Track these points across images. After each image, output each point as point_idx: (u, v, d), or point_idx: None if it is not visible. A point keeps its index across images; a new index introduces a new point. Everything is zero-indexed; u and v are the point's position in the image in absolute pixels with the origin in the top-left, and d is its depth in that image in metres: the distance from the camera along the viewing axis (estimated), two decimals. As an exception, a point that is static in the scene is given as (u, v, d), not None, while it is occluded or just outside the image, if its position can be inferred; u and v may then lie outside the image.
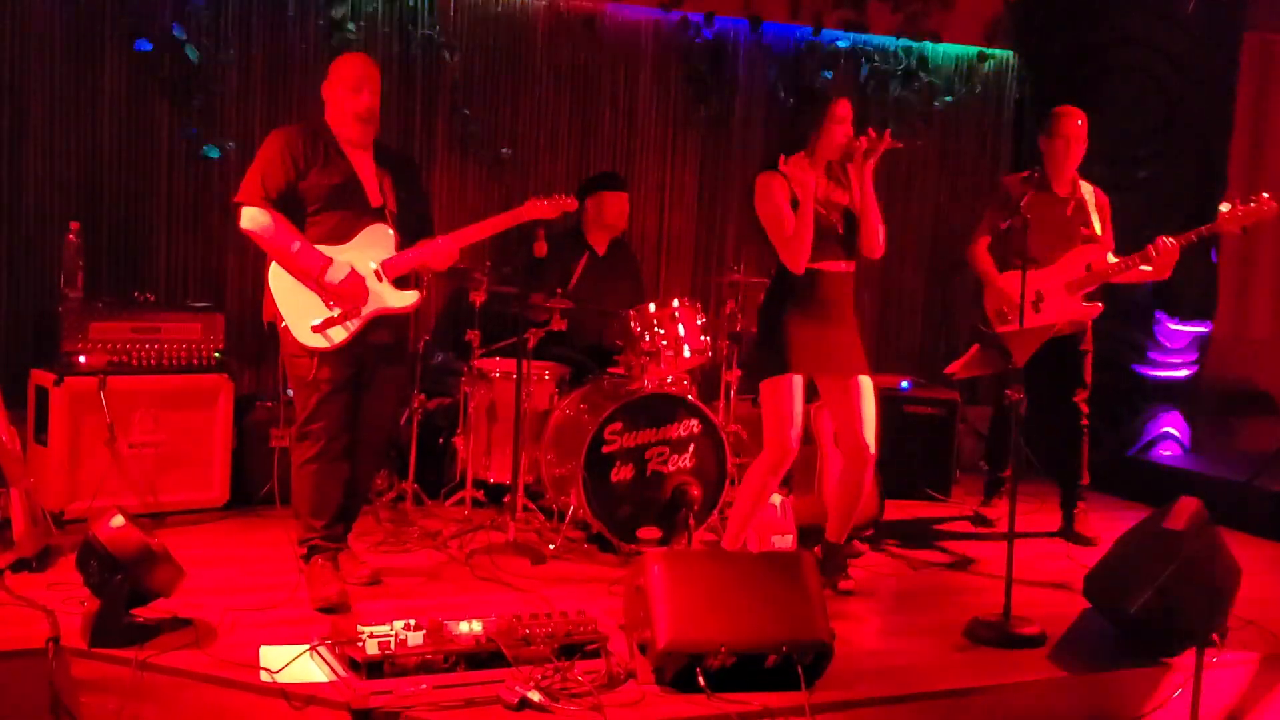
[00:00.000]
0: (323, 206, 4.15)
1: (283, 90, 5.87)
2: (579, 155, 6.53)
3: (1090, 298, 5.24)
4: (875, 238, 4.41)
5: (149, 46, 5.55)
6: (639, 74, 6.60)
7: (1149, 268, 5.07)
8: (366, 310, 4.15)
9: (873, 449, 4.43)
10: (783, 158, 4.29)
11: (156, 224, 5.71)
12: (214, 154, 5.71)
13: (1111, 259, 5.23)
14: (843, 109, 4.35)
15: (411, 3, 6.04)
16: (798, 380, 4.39)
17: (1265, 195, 4.86)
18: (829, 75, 6.86)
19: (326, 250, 4.12)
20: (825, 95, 4.38)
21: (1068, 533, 5.61)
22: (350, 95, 4.18)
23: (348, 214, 4.17)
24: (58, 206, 5.48)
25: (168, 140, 5.69)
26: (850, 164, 4.38)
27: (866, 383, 4.45)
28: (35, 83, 5.43)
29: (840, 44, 6.91)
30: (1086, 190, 5.41)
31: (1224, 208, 4.91)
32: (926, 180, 7.27)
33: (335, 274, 4.09)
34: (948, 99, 7.20)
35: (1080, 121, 5.35)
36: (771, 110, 6.86)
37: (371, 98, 4.20)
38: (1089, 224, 5.33)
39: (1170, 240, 4.98)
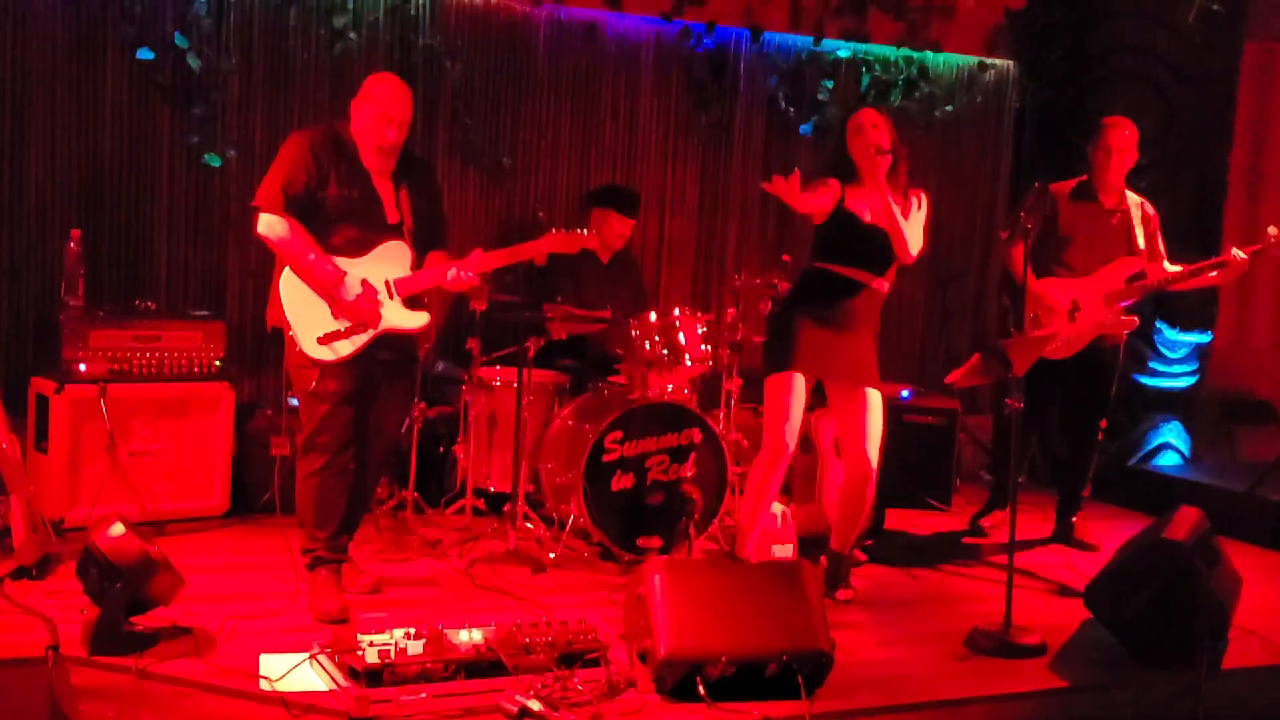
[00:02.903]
0: (340, 218, 4.09)
1: (284, 99, 5.87)
2: (580, 164, 6.53)
3: (1129, 311, 5.25)
4: (897, 247, 4.52)
5: (151, 55, 5.55)
6: (640, 83, 6.60)
7: (1214, 274, 5.17)
8: (377, 328, 4.11)
9: (875, 464, 4.43)
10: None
11: (157, 232, 5.71)
12: (215, 162, 5.71)
13: (1170, 267, 5.25)
14: (860, 118, 4.49)
15: (413, 12, 6.05)
16: (799, 379, 4.40)
17: None
18: (830, 85, 6.88)
19: (342, 263, 4.08)
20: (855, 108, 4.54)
21: (1067, 539, 5.61)
22: (380, 126, 4.11)
23: (365, 228, 4.12)
24: (59, 214, 5.48)
25: (169, 148, 5.69)
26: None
27: (875, 396, 4.44)
28: (37, 90, 5.43)
29: (841, 54, 6.92)
30: (1133, 202, 5.40)
31: (1271, 230, 5.03)
32: (926, 189, 7.25)
33: (348, 291, 4.04)
34: (948, 108, 7.21)
35: (1127, 133, 5.36)
36: (772, 119, 6.87)
37: (399, 134, 4.14)
38: (1133, 237, 5.33)
39: (1241, 253, 5.05)
